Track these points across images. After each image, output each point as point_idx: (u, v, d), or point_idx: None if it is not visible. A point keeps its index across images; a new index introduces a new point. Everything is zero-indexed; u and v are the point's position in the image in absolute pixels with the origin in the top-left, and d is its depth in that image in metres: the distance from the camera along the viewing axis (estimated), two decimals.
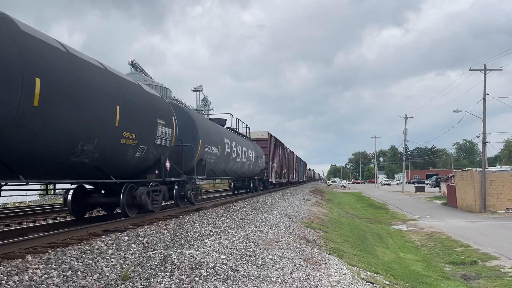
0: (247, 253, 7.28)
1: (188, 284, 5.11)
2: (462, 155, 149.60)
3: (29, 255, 5.83)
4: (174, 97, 67.93)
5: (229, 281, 5.41)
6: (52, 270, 5.22)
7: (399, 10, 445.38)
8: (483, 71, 31.23)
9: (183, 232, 8.96)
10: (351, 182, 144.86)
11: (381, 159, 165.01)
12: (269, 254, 7.51)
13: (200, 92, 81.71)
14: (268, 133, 30.11)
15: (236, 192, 26.64)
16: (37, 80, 6.15)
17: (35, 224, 10.62)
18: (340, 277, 7.35)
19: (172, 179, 11.89)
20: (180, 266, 5.73)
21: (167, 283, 5.09)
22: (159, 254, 6.39)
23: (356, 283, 7.47)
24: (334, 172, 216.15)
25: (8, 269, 5.11)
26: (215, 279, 5.39)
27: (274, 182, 32.77)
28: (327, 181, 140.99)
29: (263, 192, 28.51)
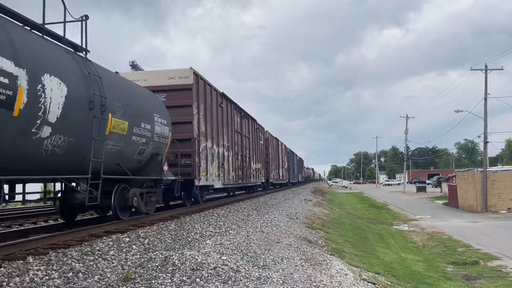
0: (248, 254, 7.27)
1: (189, 285, 5.11)
2: (463, 155, 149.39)
3: (30, 257, 5.83)
4: None
5: (230, 282, 5.40)
6: (53, 272, 5.22)
7: (400, 10, 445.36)
8: (484, 71, 31.21)
9: (184, 233, 8.96)
10: (352, 182, 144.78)
11: (382, 159, 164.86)
12: (270, 255, 7.50)
13: None
14: (195, 75, 13.70)
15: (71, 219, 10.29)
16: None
17: (36, 226, 10.62)
18: (342, 278, 7.33)
19: None
20: (181, 267, 5.73)
21: (168, 284, 5.08)
22: (160, 255, 6.38)
23: (357, 283, 7.46)
24: (335, 172, 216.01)
25: (9, 271, 5.11)
26: (216, 280, 5.39)
27: (220, 186, 16.51)
28: (328, 181, 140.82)
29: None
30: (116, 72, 10.98)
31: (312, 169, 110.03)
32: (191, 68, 13.66)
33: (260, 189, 27.75)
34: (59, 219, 12.13)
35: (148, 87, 12.22)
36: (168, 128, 11.39)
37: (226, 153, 17.32)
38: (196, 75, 13.87)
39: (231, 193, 22.13)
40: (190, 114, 13.39)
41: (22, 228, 10.18)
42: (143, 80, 13.32)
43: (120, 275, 5.34)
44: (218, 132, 16.21)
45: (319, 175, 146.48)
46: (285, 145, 40.12)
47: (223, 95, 17.28)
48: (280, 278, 5.96)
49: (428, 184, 71.44)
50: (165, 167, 11.34)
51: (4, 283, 4.67)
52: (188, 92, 13.41)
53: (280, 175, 35.55)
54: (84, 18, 8.27)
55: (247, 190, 25.01)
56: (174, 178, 11.90)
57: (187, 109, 13.38)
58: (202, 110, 14.32)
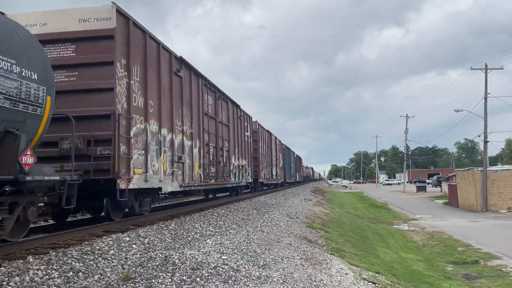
0: (248, 254, 7.27)
1: (190, 285, 5.10)
2: (464, 155, 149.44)
3: (30, 256, 5.83)
4: None
5: (230, 281, 5.40)
6: (53, 271, 5.22)
7: (400, 10, 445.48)
8: (484, 70, 31.22)
9: (184, 233, 8.96)
10: (352, 182, 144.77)
11: (382, 159, 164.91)
12: (271, 254, 7.50)
13: None
14: (121, 16, 9.03)
15: None
16: None
17: (36, 225, 10.60)
18: (342, 277, 7.33)
19: None
20: (181, 267, 5.73)
21: (168, 283, 5.08)
22: (160, 255, 6.38)
23: (357, 283, 7.46)
24: (335, 172, 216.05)
25: (9, 270, 5.10)
26: (216, 280, 5.38)
27: (176, 189, 11.78)
28: (328, 181, 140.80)
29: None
30: (1, 13, 7.43)
31: (312, 168, 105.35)
32: (113, 4, 8.84)
33: (248, 190, 23.24)
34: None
35: (49, 35, 8.64)
36: (42, 89, 6.55)
37: (188, 143, 12.60)
38: (124, 17, 9.18)
39: (210, 196, 18.87)
40: (111, 76, 8.72)
41: None
42: (42, 25, 8.90)
43: (120, 275, 5.34)
44: (172, 112, 11.44)
45: (319, 174, 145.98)
46: (280, 140, 36.09)
47: (182, 61, 12.24)
48: (280, 278, 5.96)
49: (428, 183, 71.48)
50: (29, 159, 6.36)
51: (4, 283, 4.66)
52: (108, 43, 8.74)
53: (273, 174, 31.12)
54: None
55: (230, 192, 20.59)
56: (56, 178, 6.89)
57: (106, 69, 8.76)
58: (137, 73, 9.61)
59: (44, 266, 5.38)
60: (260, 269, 6.25)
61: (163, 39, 10.92)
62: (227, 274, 5.66)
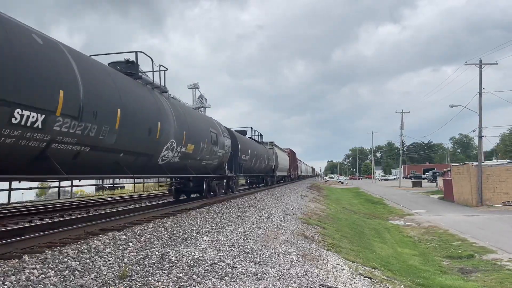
0: (245, 250, 7.28)
1: (186, 282, 5.11)
2: (459, 150, 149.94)
3: (26, 255, 5.82)
4: (171, 94, 65.40)
5: (227, 278, 5.40)
6: (49, 270, 5.20)
7: (396, 7, 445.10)
8: (478, 66, 31.31)
9: (180, 230, 8.96)
10: (348, 177, 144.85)
11: (378, 155, 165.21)
12: (267, 251, 7.51)
13: (196, 89, 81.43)
14: None
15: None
16: None
17: (32, 224, 10.57)
18: (338, 273, 7.36)
19: None
20: (177, 264, 5.73)
21: (165, 281, 5.08)
22: (157, 252, 6.38)
23: (354, 278, 7.49)
24: (332, 168, 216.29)
25: (4, 270, 5.09)
26: (213, 277, 5.39)
27: None
28: (325, 177, 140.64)
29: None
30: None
31: (294, 153, 51.86)
32: None
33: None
34: (54, 218, 12.09)
35: None
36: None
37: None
38: None
39: None
40: None
41: (18, 226, 10.14)
42: None
43: (117, 273, 5.33)
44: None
45: (313, 169, 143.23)
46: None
47: None
48: (277, 274, 5.97)
49: (423, 178, 71.76)
50: None
51: (0, 282, 4.65)
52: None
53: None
54: None
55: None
56: None
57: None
58: None
59: (40, 265, 5.37)
60: (257, 266, 6.26)
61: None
62: (224, 271, 5.67)
